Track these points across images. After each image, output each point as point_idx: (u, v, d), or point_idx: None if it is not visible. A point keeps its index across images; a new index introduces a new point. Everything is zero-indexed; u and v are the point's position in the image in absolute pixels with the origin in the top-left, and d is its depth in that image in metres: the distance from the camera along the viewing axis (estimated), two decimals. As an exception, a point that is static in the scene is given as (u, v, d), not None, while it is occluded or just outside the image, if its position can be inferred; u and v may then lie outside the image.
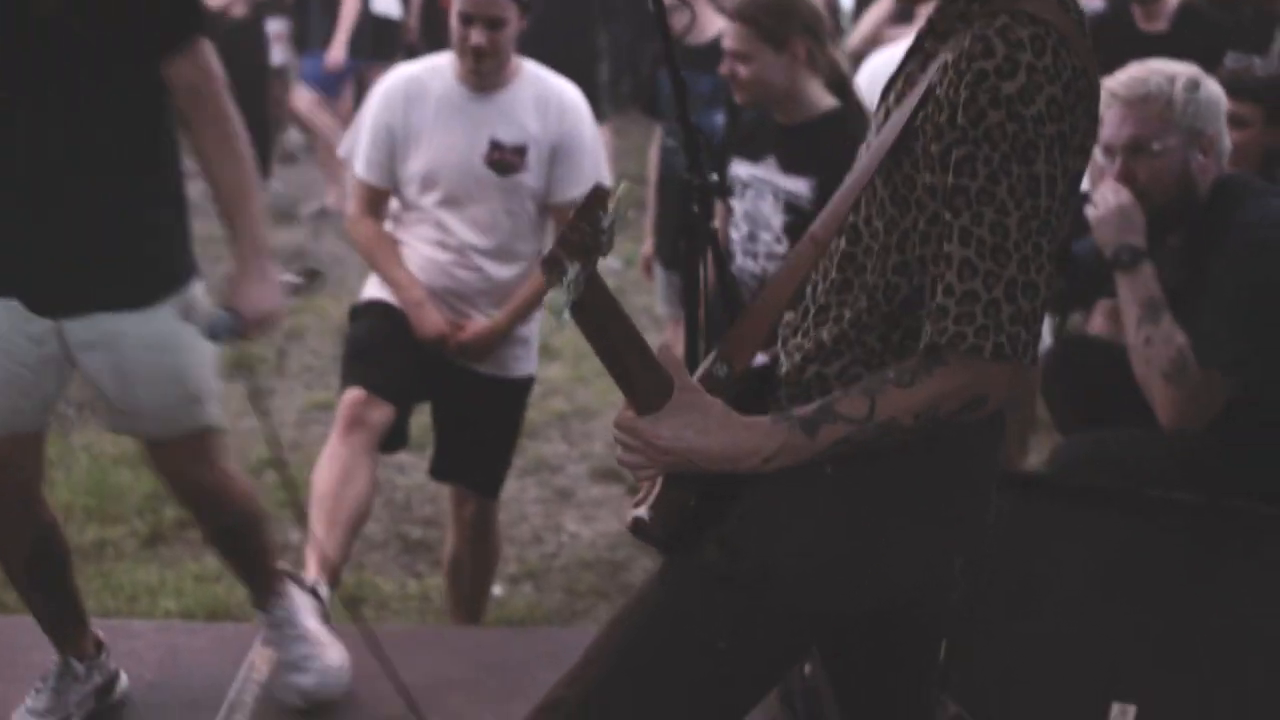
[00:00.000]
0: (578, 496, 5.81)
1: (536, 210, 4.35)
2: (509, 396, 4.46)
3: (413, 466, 5.76)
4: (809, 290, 2.17)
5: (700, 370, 2.12)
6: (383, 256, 4.34)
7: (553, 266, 1.88)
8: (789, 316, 2.20)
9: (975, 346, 1.93)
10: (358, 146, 4.41)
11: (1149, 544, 3.06)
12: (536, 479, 5.96)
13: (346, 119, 9.87)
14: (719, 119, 5.32)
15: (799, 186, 4.03)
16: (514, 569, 5.18)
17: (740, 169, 4.20)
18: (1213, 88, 3.36)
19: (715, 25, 5.42)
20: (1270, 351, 3.13)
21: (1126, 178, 3.31)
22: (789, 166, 4.06)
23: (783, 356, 2.18)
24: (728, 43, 4.10)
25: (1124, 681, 2.98)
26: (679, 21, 3.17)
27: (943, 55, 2.02)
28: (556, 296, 1.88)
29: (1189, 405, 3.10)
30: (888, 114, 2.13)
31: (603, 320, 1.94)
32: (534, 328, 4.48)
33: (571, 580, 5.14)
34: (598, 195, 1.90)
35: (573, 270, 1.87)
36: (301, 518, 3.98)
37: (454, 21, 4.25)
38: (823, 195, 3.79)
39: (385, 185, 4.38)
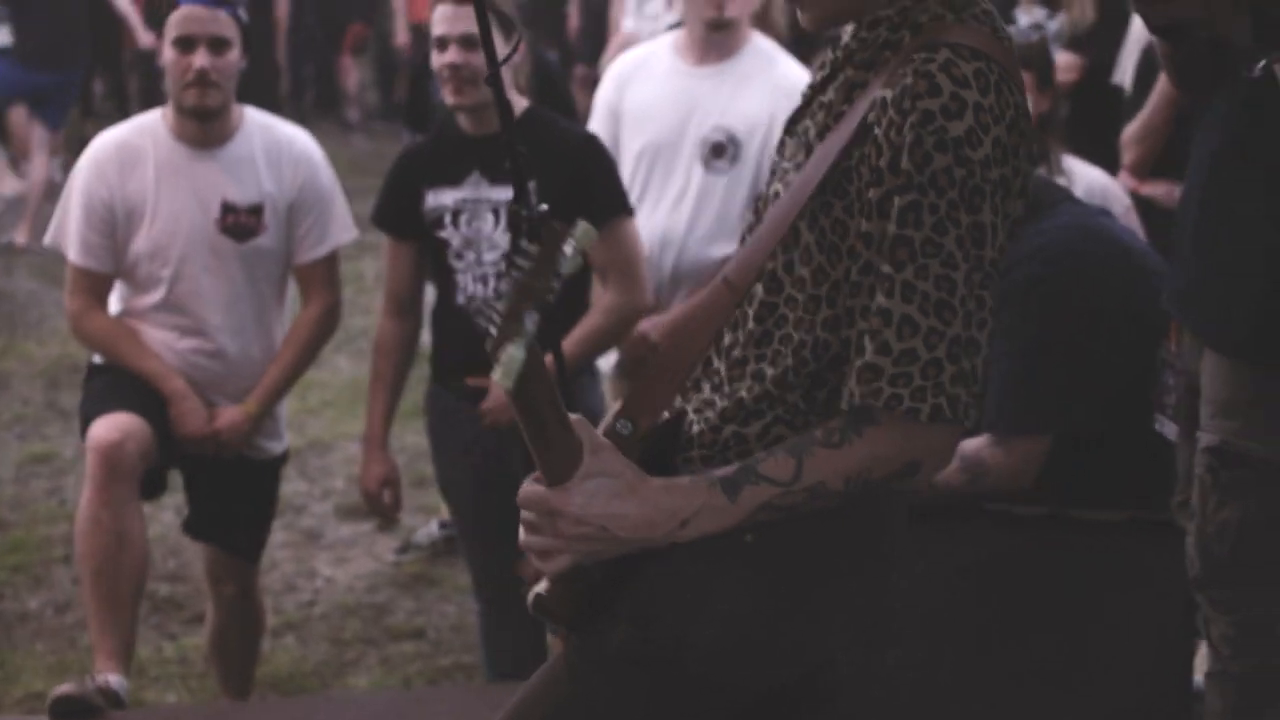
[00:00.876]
0: (327, 537, 5.69)
1: (278, 273, 4.08)
2: (263, 474, 4.23)
3: (151, 516, 5.53)
4: (717, 340, 2.02)
5: (601, 427, 1.98)
6: (128, 349, 3.95)
7: (513, 319, 1.73)
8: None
9: (913, 410, 1.82)
10: (68, 230, 3.97)
11: (997, 560, 3.10)
12: (281, 521, 5.74)
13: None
14: None
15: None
16: (272, 620, 5.01)
17: (443, 197, 3.89)
18: None
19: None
20: (1080, 396, 3.18)
21: None
22: (499, 177, 3.78)
23: (691, 413, 2.01)
24: (458, 28, 3.76)
25: (983, 705, 3.03)
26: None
27: (875, 88, 1.89)
28: (515, 354, 1.72)
29: (1011, 478, 3.15)
30: (807, 149, 1.99)
31: (532, 377, 1.80)
32: (283, 404, 4.25)
33: (334, 629, 5.03)
34: (552, 234, 1.76)
35: (531, 321, 1.73)
36: (36, 584, 3.74)
37: (165, 53, 3.92)
38: (544, 193, 3.55)
39: (108, 269, 3.98)
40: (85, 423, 3.89)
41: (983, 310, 1.85)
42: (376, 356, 4.10)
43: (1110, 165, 4.93)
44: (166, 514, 5.25)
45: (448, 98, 3.82)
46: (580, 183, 3.72)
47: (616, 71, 4.58)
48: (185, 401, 3.92)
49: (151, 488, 4.07)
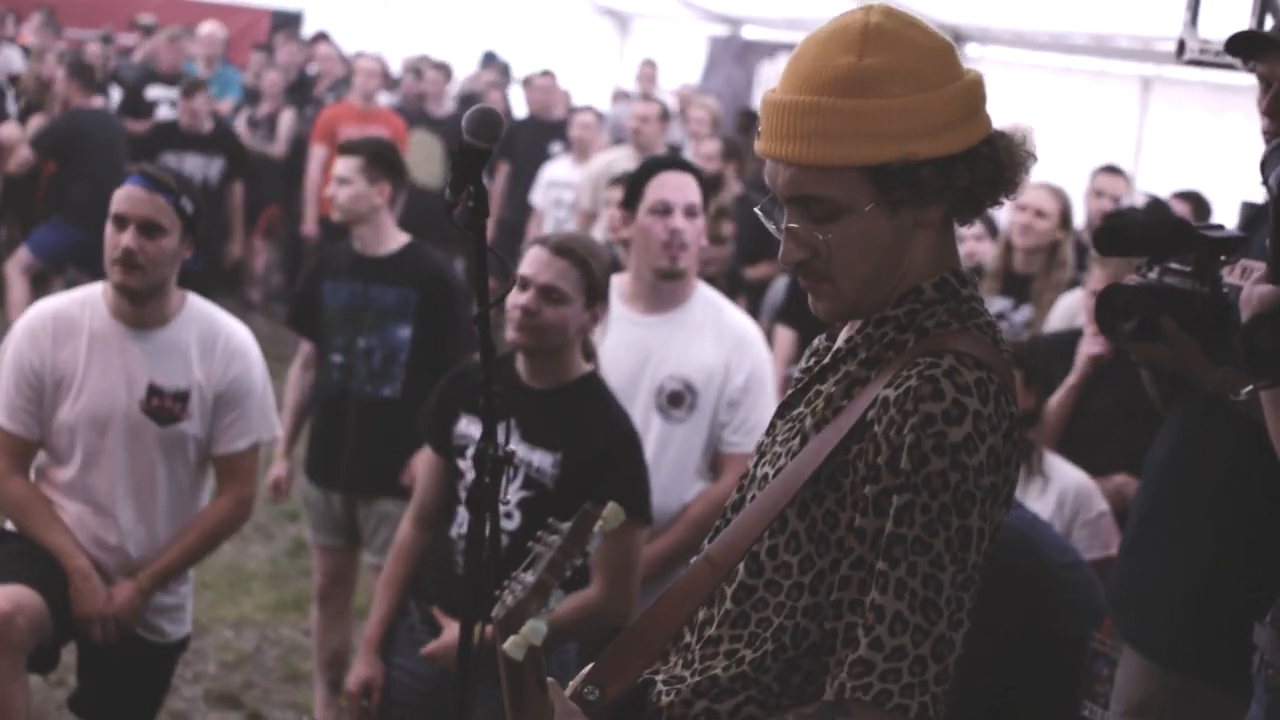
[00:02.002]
0: (195, 724, 5.56)
1: (197, 461, 4.07)
2: (159, 658, 4.19)
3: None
4: (691, 616, 2.05)
5: (568, 690, 2.00)
6: (39, 520, 3.95)
7: (540, 594, 1.79)
8: None
9: (901, 706, 1.84)
10: None
11: None
12: (148, 702, 5.68)
13: None
14: (402, 333, 5.28)
15: (542, 460, 3.67)
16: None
17: (473, 428, 3.71)
18: None
19: (397, 238, 5.37)
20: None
21: None
22: (532, 436, 3.67)
23: (660, 684, 2.03)
24: (543, 276, 3.65)
25: None
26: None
27: (877, 386, 1.94)
28: (538, 628, 1.78)
29: None
30: (802, 437, 2.01)
31: (522, 674, 1.86)
32: (187, 589, 4.21)
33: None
34: (588, 518, 1.83)
35: (556, 599, 1.80)
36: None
37: (108, 230, 3.93)
38: (566, 472, 3.61)
39: (33, 436, 3.99)
40: None
41: (961, 612, 1.88)
42: (393, 560, 3.97)
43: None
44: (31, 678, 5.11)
45: (509, 333, 3.73)
46: (609, 468, 3.63)
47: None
48: (86, 581, 3.90)
49: (44, 662, 4.02)
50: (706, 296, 4.44)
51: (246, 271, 12.14)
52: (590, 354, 3.85)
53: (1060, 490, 4.15)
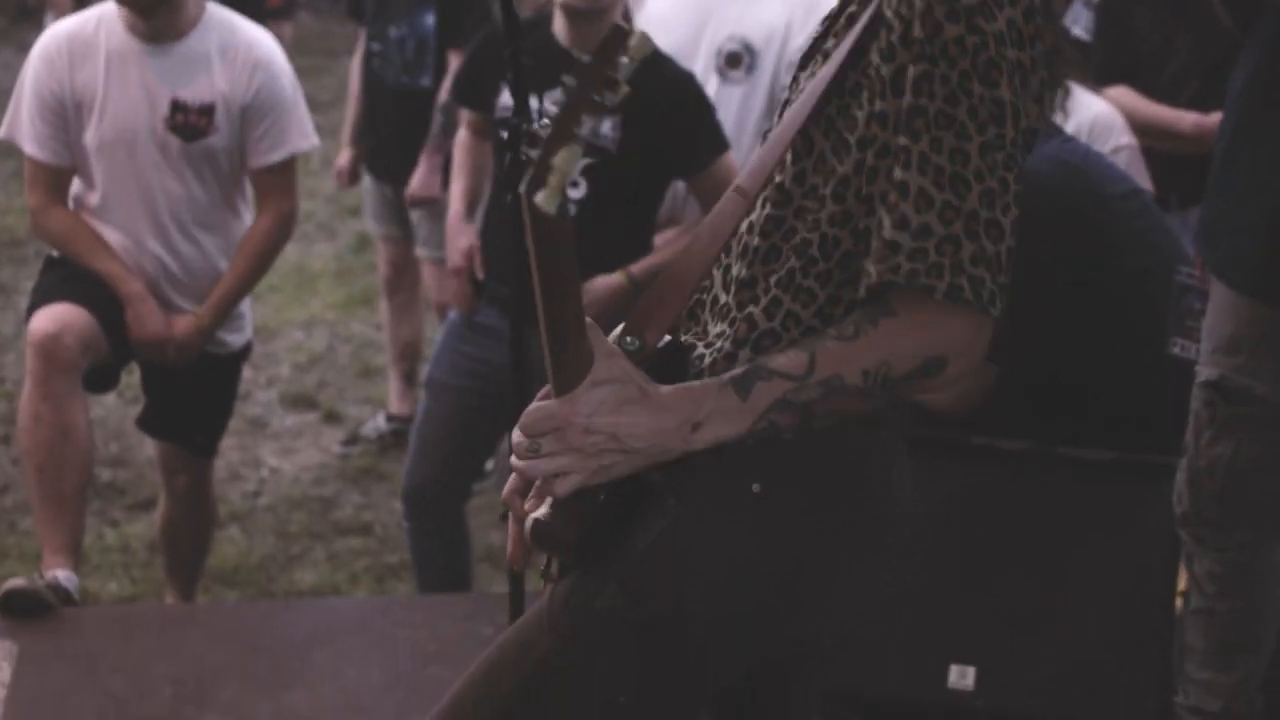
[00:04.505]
0: (272, 426, 5.59)
1: (231, 175, 3.92)
2: (223, 368, 4.12)
3: (93, 398, 5.41)
4: (721, 265, 1.92)
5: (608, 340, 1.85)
6: (87, 248, 3.81)
7: (568, 123, 1.60)
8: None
9: (928, 288, 1.71)
10: (20, 121, 3.84)
11: (979, 494, 3.05)
12: (225, 408, 5.69)
13: None
14: (429, 20, 5.11)
15: (602, 124, 3.66)
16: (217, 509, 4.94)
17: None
18: None
19: None
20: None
21: None
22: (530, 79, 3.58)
23: (701, 348, 1.90)
24: None
25: (963, 642, 3.00)
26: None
27: None
28: (570, 158, 1.60)
29: None
30: (824, 57, 1.88)
31: (559, 244, 1.67)
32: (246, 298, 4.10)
33: (280, 522, 4.95)
34: (616, 36, 1.64)
35: (588, 128, 1.61)
36: None
37: None
38: (629, 135, 3.53)
39: (65, 163, 3.84)
40: (32, 305, 3.80)
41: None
42: (458, 153, 4.01)
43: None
44: (108, 396, 5.11)
45: None
46: (675, 116, 3.58)
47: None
48: (144, 304, 3.79)
49: (103, 381, 3.99)
50: None
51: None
52: (628, 18, 3.69)
53: (1077, 123, 3.91)
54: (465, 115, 4.03)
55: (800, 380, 1.74)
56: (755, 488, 1.81)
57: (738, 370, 1.77)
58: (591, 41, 3.47)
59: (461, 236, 3.85)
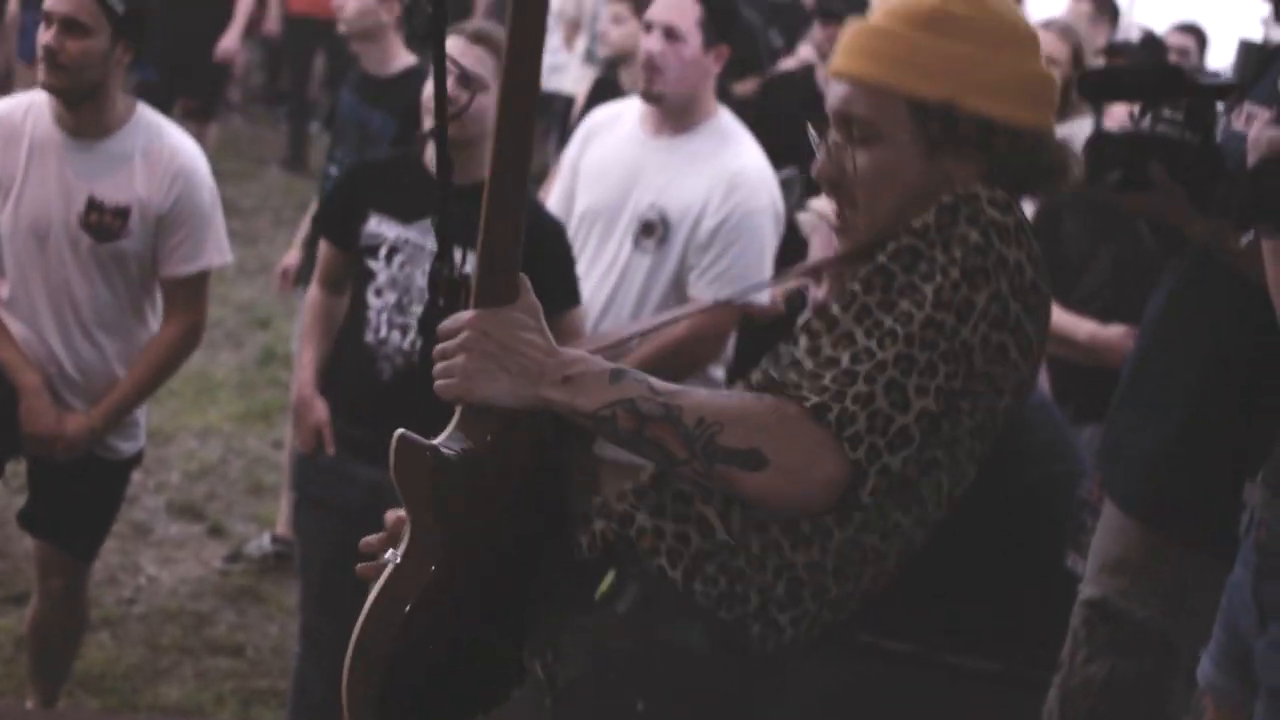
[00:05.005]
0: (156, 533, 5.51)
1: (140, 280, 3.87)
2: (112, 474, 4.06)
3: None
4: None
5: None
6: None
7: None
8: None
9: (802, 397, 1.81)
10: None
11: (860, 693, 3.05)
12: (109, 510, 5.61)
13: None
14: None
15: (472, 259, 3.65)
16: (90, 613, 4.85)
17: (386, 228, 3.76)
18: None
19: (402, 59, 5.23)
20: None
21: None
22: (457, 234, 3.69)
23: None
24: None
25: None
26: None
27: None
28: None
29: None
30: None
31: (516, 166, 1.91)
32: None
33: (152, 632, 4.87)
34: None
35: None
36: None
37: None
38: None
39: None
40: None
41: (931, 377, 1.81)
42: (307, 316, 3.99)
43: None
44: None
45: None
46: (539, 259, 3.58)
47: (586, 126, 4.43)
48: (38, 398, 3.76)
49: None
50: (718, 127, 4.18)
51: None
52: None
53: None
54: (322, 254, 3.99)
55: (652, 395, 1.84)
56: (639, 706, 1.90)
57: (622, 365, 1.90)
58: (465, 173, 3.57)
59: (312, 413, 3.79)
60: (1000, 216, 1.89)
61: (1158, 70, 3.07)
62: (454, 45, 3.59)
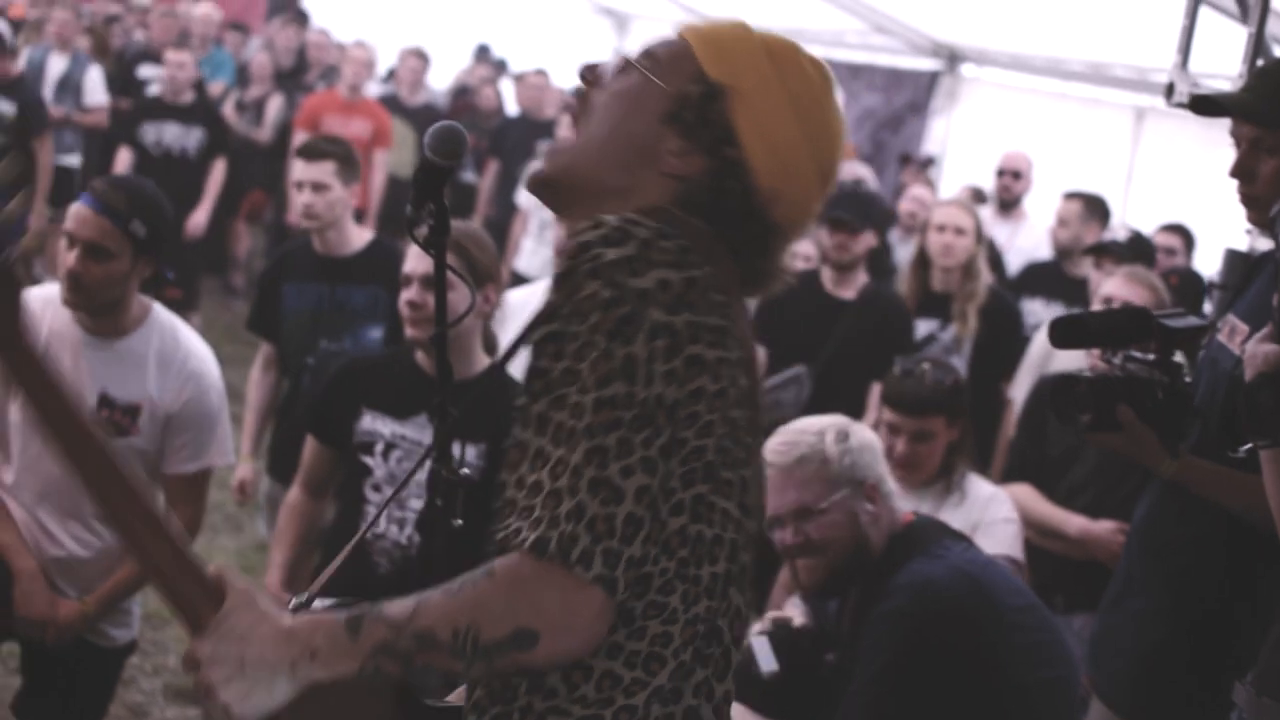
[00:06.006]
0: (153, 717, 5.52)
1: (146, 476, 3.91)
2: (105, 662, 4.10)
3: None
4: None
5: None
6: None
7: None
8: None
9: (521, 540, 1.69)
10: None
11: None
12: (106, 693, 5.62)
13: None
14: (376, 334, 5.24)
15: (469, 453, 3.58)
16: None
17: (380, 425, 3.85)
18: (864, 434, 3.35)
19: (361, 236, 5.34)
20: None
21: (799, 545, 3.25)
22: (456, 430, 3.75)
23: None
24: (420, 269, 3.76)
25: None
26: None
27: None
28: None
29: None
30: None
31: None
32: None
33: (149, 818, 4.85)
34: None
35: None
36: None
37: (61, 243, 3.78)
38: (493, 461, 3.56)
39: None
40: None
41: (627, 454, 1.68)
42: (284, 517, 4.06)
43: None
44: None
45: (407, 331, 3.82)
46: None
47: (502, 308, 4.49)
48: (33, 582, 3.81)
49: None
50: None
51: (230, 257, 12.08)
52: (491, 346, 3.87)
53: (970, 501, 4.10)
54: (308, 454, 4.06)
55: (400, 628, 1.73)
56: None
57: (357, 610, 1.78)
58: (455, 369, 3.66)
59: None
60: (619, 251, 1.71)
61: (1126, 314, 3.11)
62: (414, 251, 3.74)
